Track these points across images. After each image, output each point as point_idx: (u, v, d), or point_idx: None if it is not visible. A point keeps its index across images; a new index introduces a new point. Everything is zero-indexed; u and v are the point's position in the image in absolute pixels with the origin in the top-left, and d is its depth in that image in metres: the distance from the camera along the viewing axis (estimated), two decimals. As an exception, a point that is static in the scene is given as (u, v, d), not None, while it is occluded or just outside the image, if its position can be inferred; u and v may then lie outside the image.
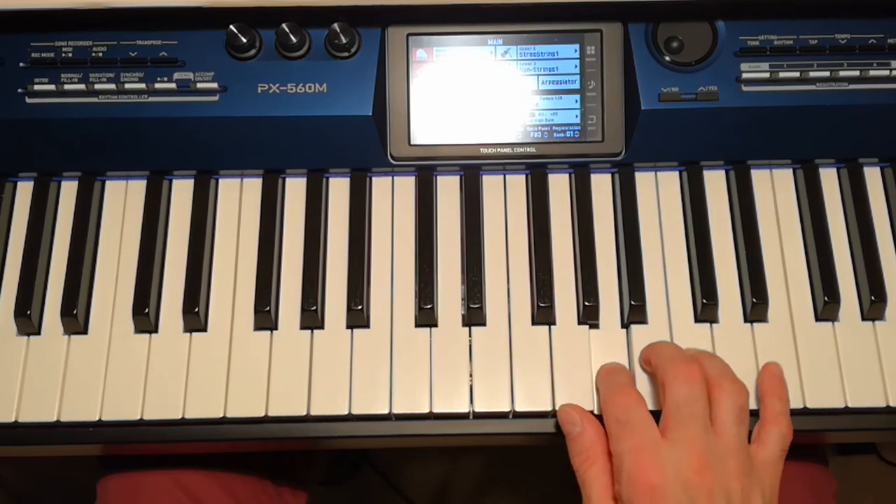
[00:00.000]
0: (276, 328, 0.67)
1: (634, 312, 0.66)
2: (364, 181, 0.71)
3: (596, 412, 0.64)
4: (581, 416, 0.61)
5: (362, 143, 0.70)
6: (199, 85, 0.69)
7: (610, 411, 0.59)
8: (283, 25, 0.67)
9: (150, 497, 0.72)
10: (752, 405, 0.63)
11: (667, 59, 0.69)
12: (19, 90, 0.69)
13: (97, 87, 0.69)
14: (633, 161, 0.71)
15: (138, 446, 0.67)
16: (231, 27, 0.67)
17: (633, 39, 0.70)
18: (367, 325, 0.67)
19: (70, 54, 0.69)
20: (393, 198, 0.71)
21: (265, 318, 0.67)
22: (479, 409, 0.64)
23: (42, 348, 0.67)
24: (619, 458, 0.57)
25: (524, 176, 0.72)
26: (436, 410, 0.64)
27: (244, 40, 0.68)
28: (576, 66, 0.71)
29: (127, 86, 0.69)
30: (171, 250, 0.70)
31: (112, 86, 0.69)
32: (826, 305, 0.66)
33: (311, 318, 0.67)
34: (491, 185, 0.72)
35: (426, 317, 0.67)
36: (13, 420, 0.65)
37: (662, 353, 0.61)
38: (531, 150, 0.70)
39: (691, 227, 0.70)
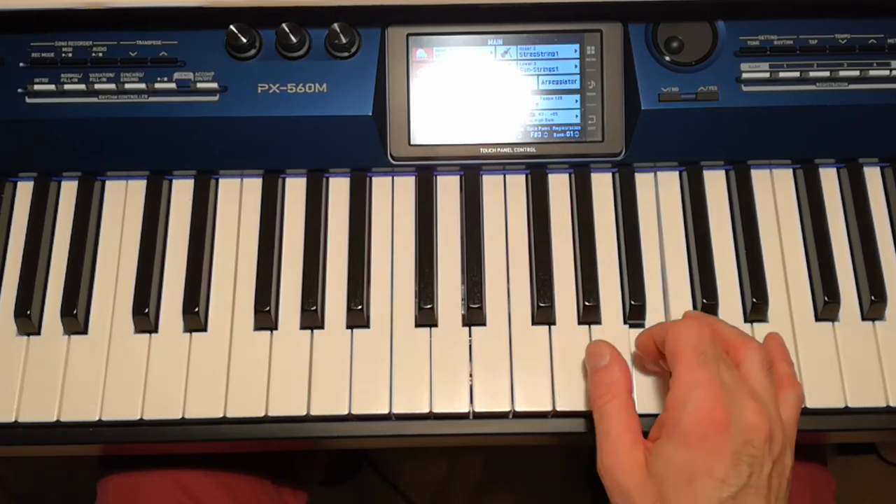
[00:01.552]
0: (276, 328, 0.67)
1: (634, 312, 0.66)
2: (364, 181, 0.71)
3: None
4: (611, 351, 0.61)
5: (362, 143, 0.70)
6: (199, 85, 0.69)
7: (685, 338, 0.56)
8: (283, 25, 0.67)
9: (150, 497, 0.72)
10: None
11: (667, 59, 0.69)
12: (19, 90, 0.69)
13: (97, 87, 0.69)
14: (633, 161, 0.71)
15: (138, 446, 0.67)
16: (231, 27, 0.67)
17: (633, 39, 0.70)
18: (367, 325, 0.67)
19: (70, 54, 0.69)
20: (393, 198, 0.71)
21: (265, 318, 0.67)
22: (479, 409, 0.64)
23: (42, 348, 0.67)
24: (686, 386, 0.54)
25: (524, 176, 0.72)
26: (436, 410, 0.64)
27: (244, 40, 0.68)
28: (576, 66, 0.71)
29: (127, 86, 0.69)
30: (171, 250, 0.70)
31: (112, 86, 0.69)
32: (826, 305, 0.66)
33: (311, 318, 0.67)
34: (491, 185, 0.72)
35: (426, 317, 0.67)
36: (13, 420, 0.65)
37: (662, 326, 0.60)
38: (531, 150, 0.70)
39: (691, 227, 0.70)
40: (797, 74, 0.68)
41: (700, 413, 0.53)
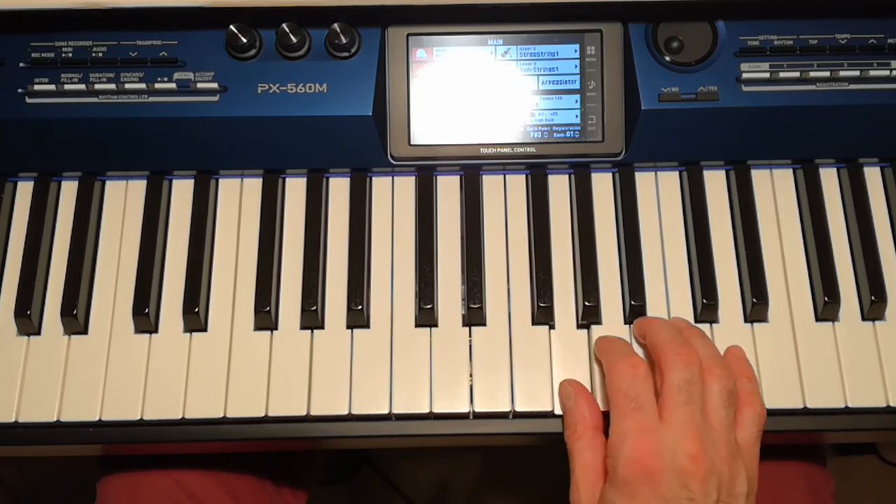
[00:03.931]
0: (276, 328, 0.67)
1: (635, 312, 0.66)
2: (364, 181, 0.71)
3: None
4: (575, 390, 0.62)
5: (362, 143, 0.70)
6: (199, 85, 0.69)
7: (617, 381, 0.58)
8: (283, 25, 0.67)
9: (150, 497, 0.72)
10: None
11: (667, 59, 0.69)
12: (19, 90, 0.69)
13: (97, 87, 0.69)
14: (633, 161, 0.71)
15: (138, 446, 0.67)
16: (231, 27, 0.67)
17: (633, 39, 0.70)
18: (367, 325, 0.67)
19: (70, 54, 0.69)
20: (393, 198, 0.71)
21: (265, 318, 0.67)
22: (479, 409, 0.64)
23: (42, 348, 0.67)
24: (620, 435, 0.56)
25: (524, 176, 0.72)
26: (436, 410, 0.64)
27: (244, 40, 0.68)
28: (576, 66, 0.71)
29: (127, 86, 0.69)
30: (171, 250, 0.70)
31: (112, 86, 0.69)
32: (826, 305, 0.66)
33: (312, 318, 0.67)
34: (491, 185, 0.72)
35: (426, 317, 0.67)
36: (13, 420, 0.65)
37: (661, 335, 0.61)
38: (531, 150, 0.70)
39: (691, 227, 0.70)
40: (797, 74, 0.68)
41: (632, 463, 0.55)
